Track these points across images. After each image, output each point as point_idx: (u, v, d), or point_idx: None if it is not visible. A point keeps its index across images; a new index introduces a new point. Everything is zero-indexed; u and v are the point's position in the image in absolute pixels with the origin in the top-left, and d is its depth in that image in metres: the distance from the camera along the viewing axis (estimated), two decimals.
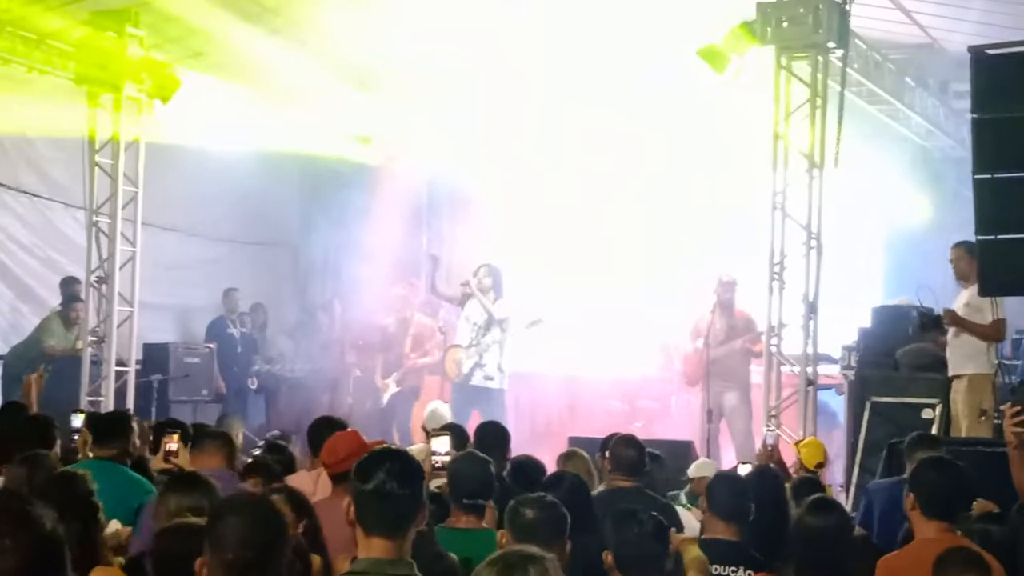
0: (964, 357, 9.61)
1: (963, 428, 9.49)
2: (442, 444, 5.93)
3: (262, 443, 9.29)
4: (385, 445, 4.65)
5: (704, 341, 11.89)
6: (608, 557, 4.59)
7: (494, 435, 7.17)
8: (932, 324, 9.93)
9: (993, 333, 9.58)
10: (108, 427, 6.82)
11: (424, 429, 8.85)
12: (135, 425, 7.06)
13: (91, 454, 6.65)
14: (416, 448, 7.69)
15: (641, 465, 6.77)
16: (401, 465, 3.65)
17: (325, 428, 6.48)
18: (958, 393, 9.65)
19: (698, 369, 12.07)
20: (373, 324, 14.24)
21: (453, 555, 4.78)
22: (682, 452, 10.01)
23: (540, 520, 4.61)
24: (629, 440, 6.95)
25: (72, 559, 2.70)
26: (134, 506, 5.86)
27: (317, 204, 15.99)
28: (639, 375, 13.73)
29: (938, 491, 4.88)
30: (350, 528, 3.64)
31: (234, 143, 14.02)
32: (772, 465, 7.85)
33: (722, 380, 11.80)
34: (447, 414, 9.39)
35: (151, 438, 7.52)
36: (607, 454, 7.01)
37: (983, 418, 9.35)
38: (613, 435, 7.27)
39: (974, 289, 9.40)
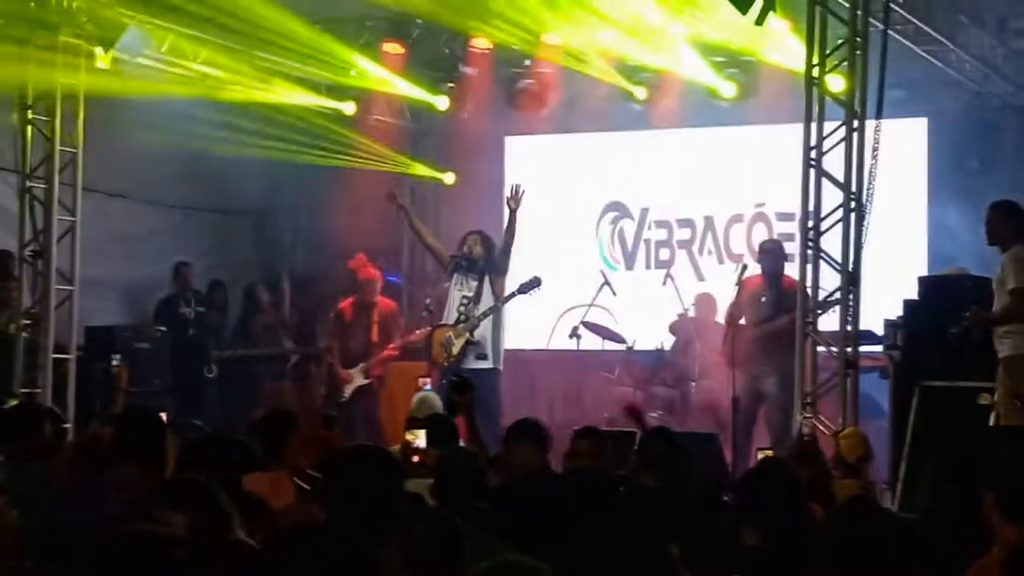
0: (999, 337, 9.41)
1: (1000, 416, 9.35)
2: (420, 439, 5.89)
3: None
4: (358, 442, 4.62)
5: (731, 318, 11.75)
6: None
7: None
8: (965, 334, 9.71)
9: (1014, 307, 9.19)
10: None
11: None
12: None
13: None
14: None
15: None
16: (380, 463, 3.60)
17: (280, 423, 6.44)
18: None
19: (740, 348, 11.68)
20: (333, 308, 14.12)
21: None
22: (706, 446, 9.98)
23: None
24: (661, 434, 6.99)
25: None
26: None
27: (284, 165, 15.88)
28: (655, 356, 13.65)
29: (1020, 489, 4.78)
30: None
31: (188, 96, 13.91)
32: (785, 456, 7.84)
33: (761, 362, 11.59)
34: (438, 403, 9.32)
35: None
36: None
37: (1019, 403, 9.18)
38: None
39: (1004, 257, 9.28)
